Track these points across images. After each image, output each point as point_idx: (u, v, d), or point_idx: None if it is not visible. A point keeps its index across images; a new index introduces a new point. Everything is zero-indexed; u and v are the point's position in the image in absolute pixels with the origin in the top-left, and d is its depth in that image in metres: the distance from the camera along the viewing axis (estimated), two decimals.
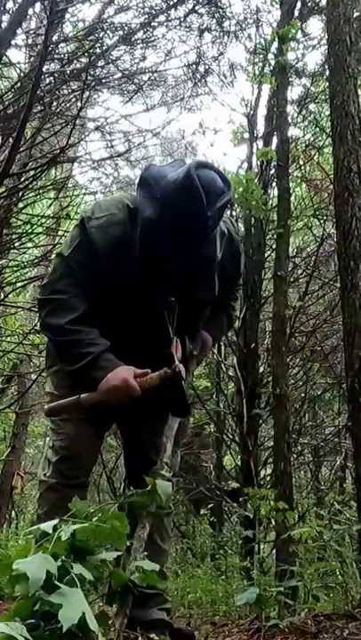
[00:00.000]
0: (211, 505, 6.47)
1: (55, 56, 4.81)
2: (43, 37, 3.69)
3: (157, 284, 1.83)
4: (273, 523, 3.88)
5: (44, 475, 2.02)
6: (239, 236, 2.12)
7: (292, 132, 5.64)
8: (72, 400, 1.87)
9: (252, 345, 4.95)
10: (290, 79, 5.26)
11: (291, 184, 4.64)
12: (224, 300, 2.18)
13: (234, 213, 5.42)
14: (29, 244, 5.02)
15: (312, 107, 6.12)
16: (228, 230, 1.93)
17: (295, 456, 5.49)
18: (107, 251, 1.81)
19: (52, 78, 4.70)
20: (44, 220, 4.72)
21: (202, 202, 1.66)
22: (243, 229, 5.45)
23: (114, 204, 1.89)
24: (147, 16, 5.62)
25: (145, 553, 1.52)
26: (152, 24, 5.69)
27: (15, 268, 4.89)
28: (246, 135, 5.55)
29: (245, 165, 5.61)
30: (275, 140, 5.10)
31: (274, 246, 4.70)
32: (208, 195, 1.67)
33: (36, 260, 5.28)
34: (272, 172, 5.19)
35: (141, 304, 1.88)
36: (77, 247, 1.86)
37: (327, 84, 4.03)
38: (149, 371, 1.81)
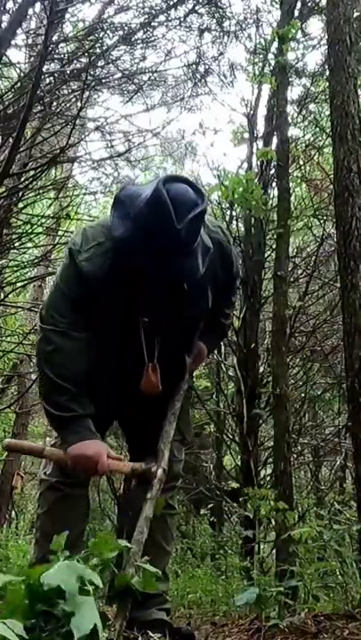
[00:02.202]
0: (211, 505, 6.46)
1: (55, 56, 4.80)
2: (43, 37, 3.69)
3: (138, 302, 1.81)
4: (273, 523, 3.88)
5: (44, 473, 2.02)
6: (231, 245, 2.06)
7: (292, 131, 5.65)
8: (35, 448, 1.89)
9: (252, 345, 4.95)
10: (290, 79, 5.26)
11: (291, 184, 4.64)
12: (219, 309, 2.16)
13: (234, 213, 5.43)
14: (29, 244, 5.02)
15: (312, 107, 6.12)
16: (217, 241, 1.90)
17: (295, 456, 5.49)
18: (98, 281, 1.79)
19: (52, 78, 4.70)
20: (44, 220, 4.72)
21: (170, 216, 1.62)
22: (243, 229, 5.45)
23: (100, 232, 1.85)
24: (147, 16, 5.62)
25: (146, 557, 1.52)
26: (152, 24, 5.69)
27: (15, 268, 4.89)
28: (246, 135, 5.55)
29: (245, 165, 5.62)
30: (275, 140, 5.10)
31: (274, 246, 4.70)
32: (177, 208, 1.63)
33: (36, 260, 5.28)
34: (272, 172, 5.19)
35: (125, 328, 1.86)
36: (69, 280, 1.84)
37: (327, 83, 4.03)
38: (122, 457, 1.81)
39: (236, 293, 2.35)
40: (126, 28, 5.44)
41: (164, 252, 1.65)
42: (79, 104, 4.28)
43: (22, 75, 4.47)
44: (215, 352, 5.61)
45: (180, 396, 2.03)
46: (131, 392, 1.93)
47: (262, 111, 5.68)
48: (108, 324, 1.85)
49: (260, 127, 5.62)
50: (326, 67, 4.68)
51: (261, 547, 4.37)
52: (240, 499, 4.17)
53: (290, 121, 5.17)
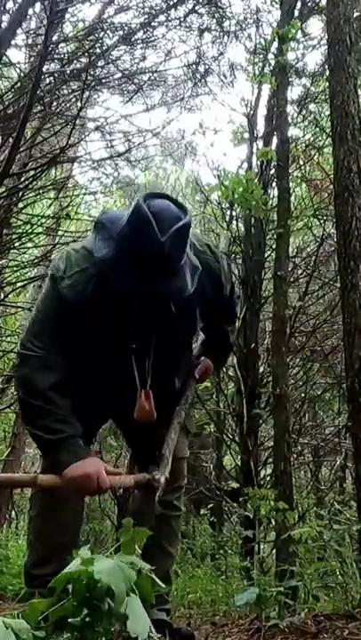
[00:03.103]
0: (211, 505, 6.47)
1: (55, 56, 4.81)
2: (43, 37, 3.69)
3: (127, 328, 1.78)
4: (273, 523, 3.88)
5: (36, 472, 2.00)
6: (220, 263, 1.98)
7: (292, 132, 5.66)
8: (27, 478, 1.79)
9: (252, 345, 4.95)
10: (290, 79, 5.27)
11: (291, 184, 4.65)
12: (219, 327, 2.15)
13: (234, 213, 5.43)
14: (29, 244, 5.02)
15: (312, 107, 6.12)
16: (205, 262, 1.86)
17: (295, 456, 5.49)
18: (81, 308, 1.75)
19: (52, 78, 4.70)
20: (44, 220, 4.71)
21: (153, 229, 1.59)
22: (243, 229, 5.46)
23: (84, 257, 1.79)
24: (147, 16, 5.62)
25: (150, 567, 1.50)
26: (152, 24, 5.69)
27: (15, 268, 4.89)
28: (246, 135, 5.56)
29: (245, 165, 5.62)
30: (275, 140, 5.11)
31: (274, 246, 4.70)
32: (159, 221, 1.60)
33: (36, 260, 5.27)
34: (272, 172, 5.19)
35: (116, 354, 1.82)
36: (52, 307, 1.80)
37: (327, 84, 4.03)
38: (121, 471, 1.76)
39: (236, 308, 2.32)
40: (126, 28, 5.44)
41: (149, 269, 1.61)
42: (79, 104, 4.28)
43: (22, 75, 4.47)
44: None
45: (185, 406, 2.02)
46: (126, 404, 1.89)
47: (262, 111, 5.70)
48: (98, 350, 1.82)
49: (260, 127, 5.64)
50: (326, 67, 4.68)
51: (261, 547, 4.37)
52: (240, 499, 4.17)
53: (290, 121, 5.18)
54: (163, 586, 1.28)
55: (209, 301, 1.94)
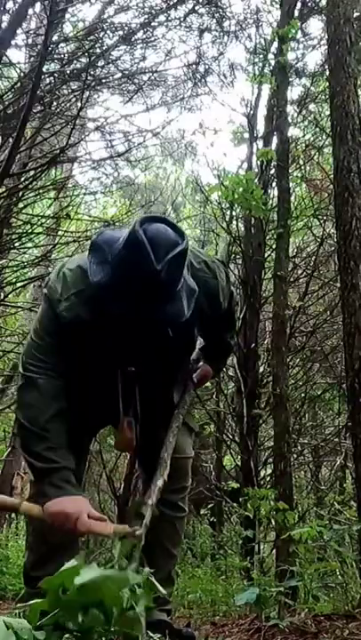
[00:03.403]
0: (211, 505, 6.47)
1: (55, 56, 4.81)
2: (43, 37, 3.69)
3: (122, 352, 1.76)
4: (273, 523, 3.88)
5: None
6: (218, 279, 1.94)
7: (292, 132, 5.66)
8: (12, 502, 1.75)
9: (252, 345, 4.95)
10: (290, 79, 5.27)
11: (291, 184, 4.65)
12: (219, 338, 2.15)
13: (234, 213, 5.44)
14: (29, 244, 5.02)
15: (312, 107, 6.13)
16: (203, 280, 1.84)
17: (295, 456, 5.49)
18: (79, 330, 1.73)
19: (52, 78, 4.70)
20: (43, 220, 4.71)
21: (148, 256, 1.55)
22: (243, 229, 5.46)
23: (80, 278, 1.75)
24: (147, 16, 5.64)
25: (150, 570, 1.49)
26: (152, 24, 5.71)
27: (15, 268, 4.88)
28: (246, 135, 5.57)
29: (245, 165, 5.63)
30: (275, 140, 5.12)
31: (274, 246, 4.71)
32: (155, 248, 1.56)
33: (36, 260, 5.28)
34: (272, 172, 5.19)
35: (107, 377, 1.81)
36: (49, 328, 1.78)
37: (327, 83, 4.03)
38: (106, 518, 1.68)
39: (235, 315, 2.30)
40: (126, 28, 5.45)
41: (145, 296, 1.59)
42: (79, 104, 4.28)
43: (22, 75, 4.47)
44: None
45: (184, 409, 2.01)
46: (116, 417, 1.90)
47: (262, 111, 5.71)
48: (91, 370, 1.81)
49: (260, 127, 5.65)
50: (326, 67, 4.68)
51: (261, 547, 4.38)
52: (240, 499, 4.17)
53: (290, 121, 5.18)
54: (162, 590, 1.27)
55: (207, 316, 1.92)
